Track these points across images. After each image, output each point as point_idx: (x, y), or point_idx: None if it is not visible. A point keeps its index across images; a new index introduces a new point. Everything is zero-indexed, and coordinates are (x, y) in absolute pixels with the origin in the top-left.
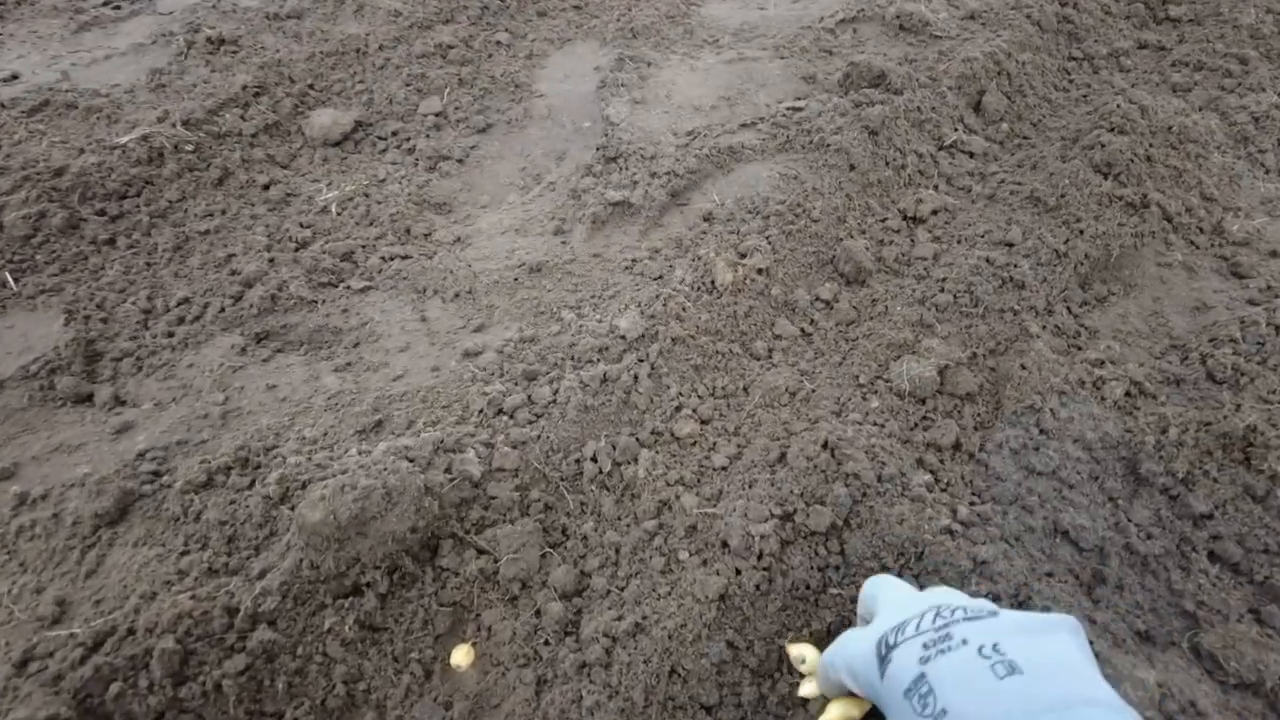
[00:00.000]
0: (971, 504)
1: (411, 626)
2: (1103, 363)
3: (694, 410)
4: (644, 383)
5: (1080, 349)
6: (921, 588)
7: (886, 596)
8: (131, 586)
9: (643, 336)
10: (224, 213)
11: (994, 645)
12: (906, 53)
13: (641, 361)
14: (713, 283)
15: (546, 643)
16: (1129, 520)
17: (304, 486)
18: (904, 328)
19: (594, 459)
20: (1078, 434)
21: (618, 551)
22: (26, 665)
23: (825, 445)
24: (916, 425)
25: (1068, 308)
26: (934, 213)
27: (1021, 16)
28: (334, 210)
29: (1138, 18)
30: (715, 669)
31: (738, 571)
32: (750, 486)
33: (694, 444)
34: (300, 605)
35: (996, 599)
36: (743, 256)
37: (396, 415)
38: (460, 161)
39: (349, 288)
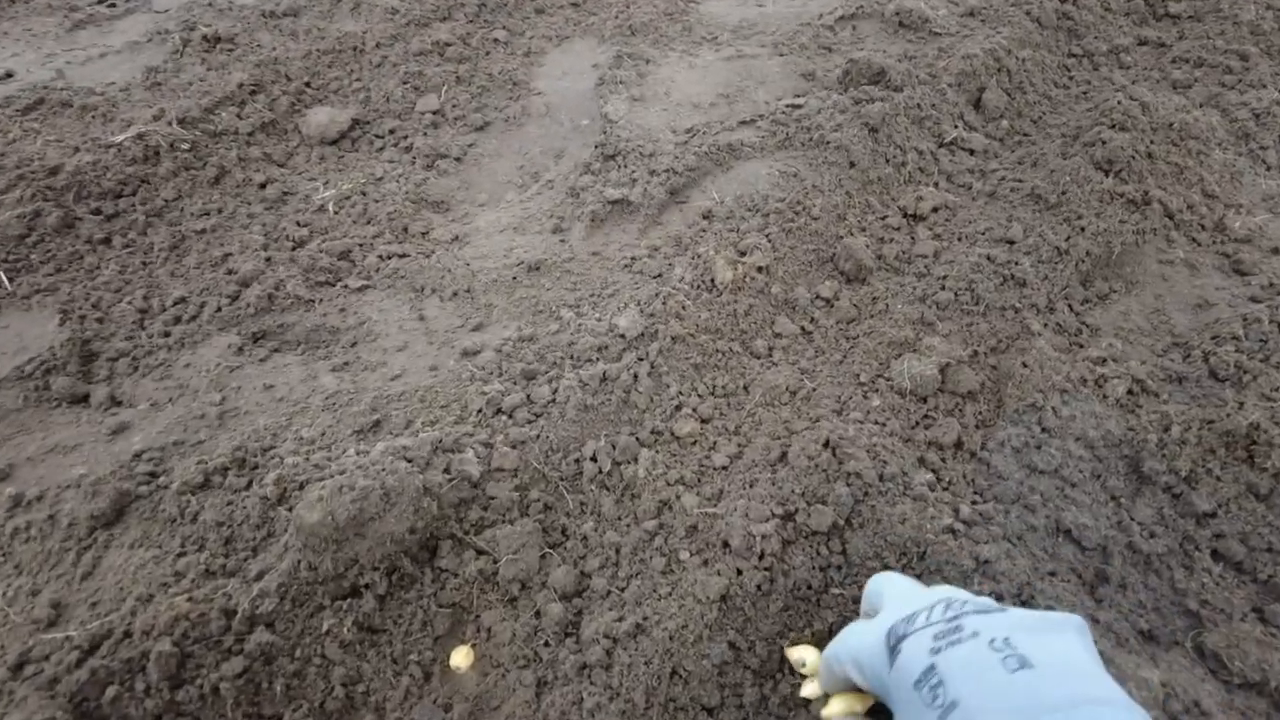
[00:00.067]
0: (974, 503)
1: (410, 628)
2: (1105, 360)
3: (694, 409)
4: (644, 382)
5: (1082, 347)
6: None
7: (893, 591)
8: (128, 589)
9: (642, 335)
10: (220, 212)
11: (1005, 639)
12: (906, 49)
13: (641, 360)
14: (712, 281)
15: (547, 644)
16: (1132, 519)
17: (302, 487)
18: (905, 326)
19: (594, 459)
20: (1080, 432)
21: (618, 552)
22: (22, 668)
23: (826, 444)
24: (918, 424)
25: (1069, 305)
26: (934, 210)
27: (1021, 13)
28: (331, 209)
29: (1137, 14)
30: (717, 670)
31: (739, 572)
32: (751, 486)
33: (694, 443)
34: (298, 607)
35: (999, 598)
36: (742, 254)
37: (394, 415)
38: (458, 160)
39: (346, 287)
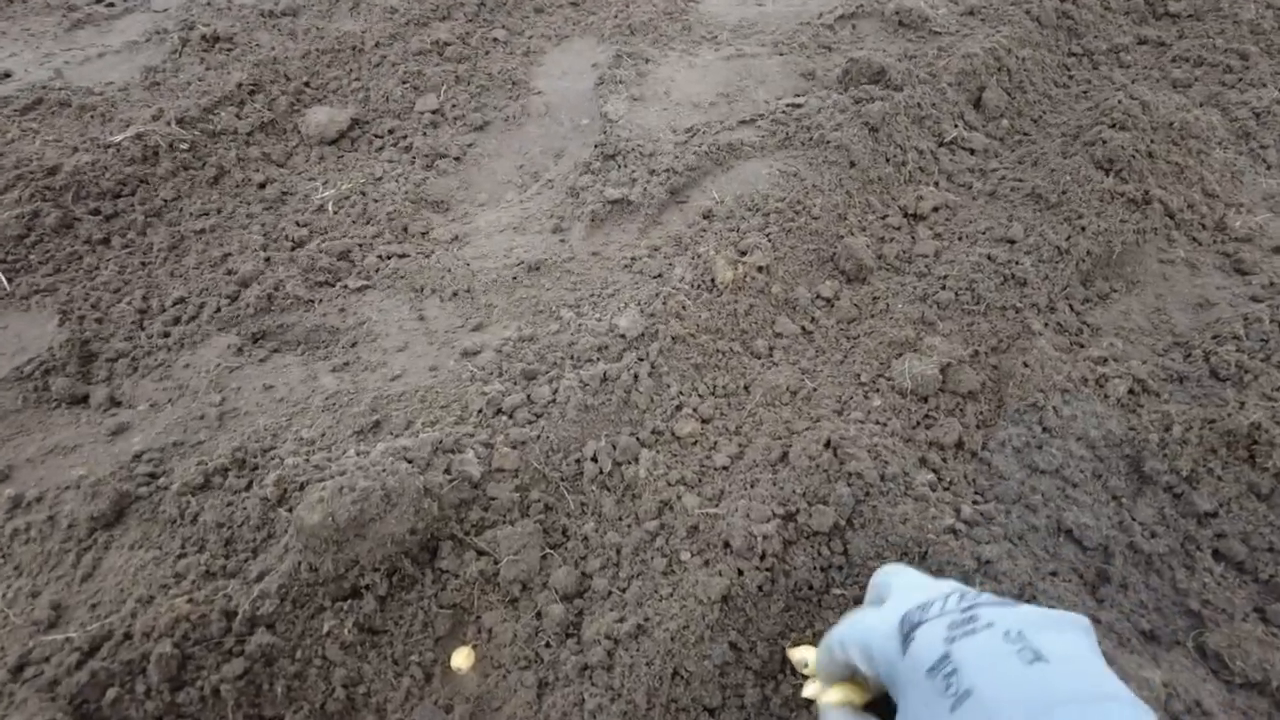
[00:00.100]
0: (975, 503)
1: (411, 629)
2: (1106, 360)
3: (695, 409)
4: (644, 382)
5: (1083, 346)
6: None
7: (902, 581)
8: (128, 590)
9: (643, 335)
10: (219, 212)
11: (1019, 631)
12: (906, 49)
13: (642, 360)
14: (713, 281)
15: (548, 645)
16: (1133, 519)
17: (302, 488)
18: (906, 325)
19: (594, 459)
20: (1081, 432)
21: (619, 552)
22: (22, 670)
23: (828, 444)
24: (919, 424)
25: (1070, 305)
26: (935, 210)
27: (1021, 12)
28: (330, 209)
29: (1137, 13)
30: (718, 671)
31: (740, 572)
32: (752, 486)
33: (695, 443)
34: (299, 608)
35: None
36: (743, 254)
37: (395, 415)
38: (458, 159)
39: (346, 287)
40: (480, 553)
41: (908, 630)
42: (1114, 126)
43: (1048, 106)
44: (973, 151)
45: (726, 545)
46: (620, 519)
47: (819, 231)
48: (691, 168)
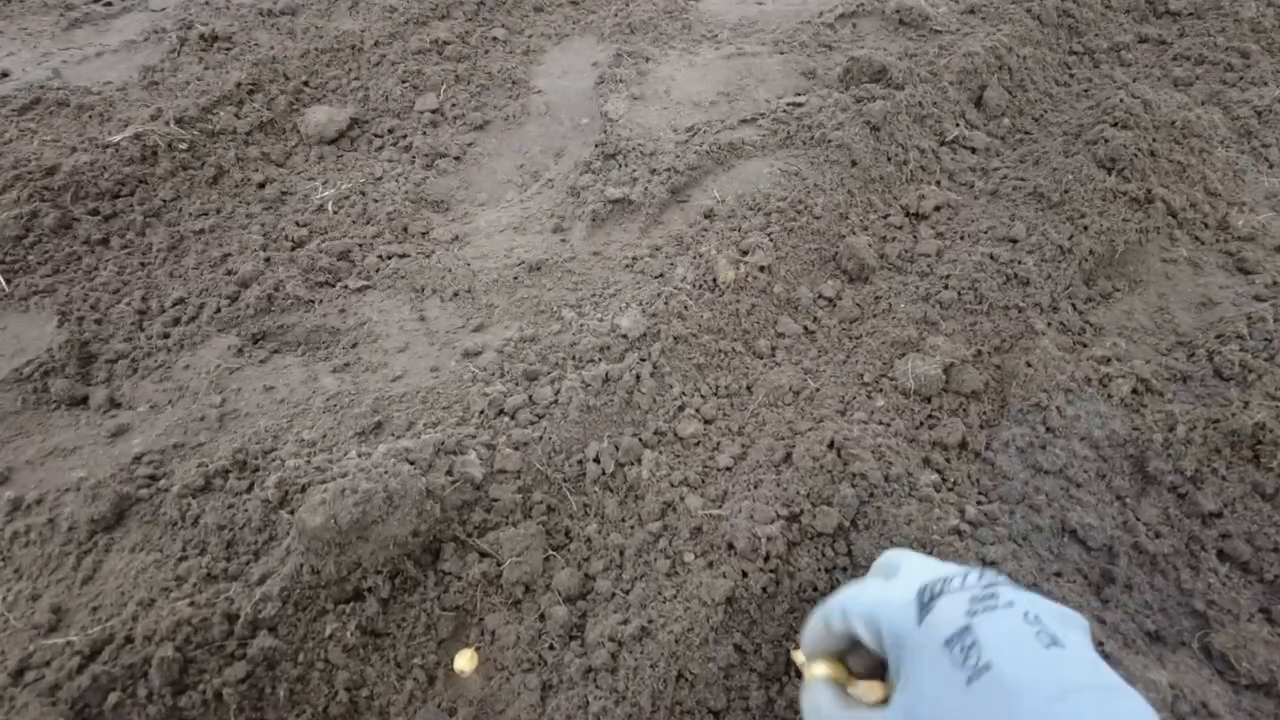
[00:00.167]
0: (979, 503)
1: (414, 632)
2: (1109, 360)
3: (697, 410)
4: (646, 382)
5: (1086, 346)
6: None
7: (913, 561)
8: (129, 593)
9: (644, 335)
10: (219, 212)
11: (1036, 615)
12: (907, 47)
13: (644, 361)
14: (714, 280)
15: (551, 647)
16: (1137, 519)
17: (303, 490)
18: (908, 325)
19: (597, 460)
20: (1085, 432)
21: (622, 554)
22: (22, 675)
23: (831, 445)
24: (922, 424)
25: (1073, 304)
26: (937, 209)
27: (1021, 10)
28: (330, 209)
29: (1138, 11)
30: (723, 673)
31: (744, 574)
32: (756, 487)
33: (698, 444)
34: (301, 611)
35: None
36: (744, 254)
37: (396, 416)
38: (457, 159)
39: (346, 287)
40: (483, 554)
41: (928, 599)
42: (1116, 125)
43: (1049, 105)
44: (974, 150)
45: (730, 547)
46: (623, 520)
47: (821, 231)
48: (692, 167)
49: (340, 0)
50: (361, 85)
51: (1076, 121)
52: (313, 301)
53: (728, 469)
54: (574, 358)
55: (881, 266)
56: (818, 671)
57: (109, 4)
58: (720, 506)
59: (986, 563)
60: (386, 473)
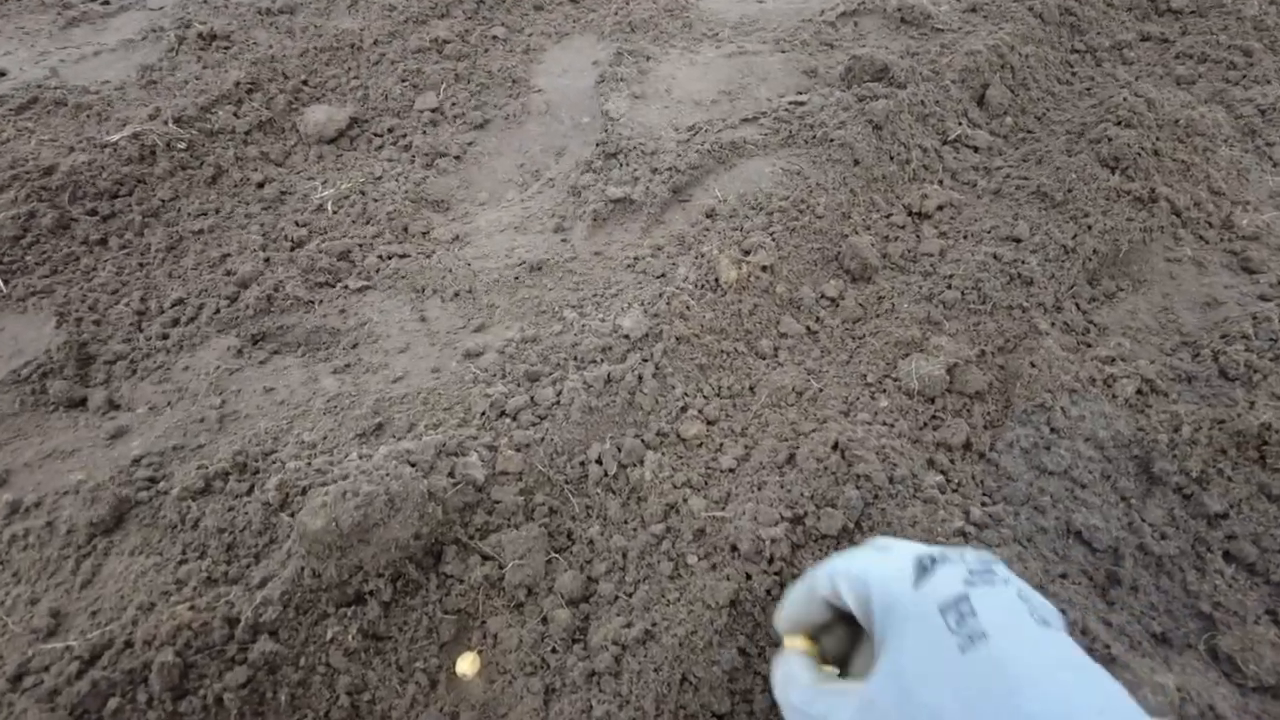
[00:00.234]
0: (983, 504)
1: (416, 635)
2: (1113, 360)
3: (700, 411)
4: (648, 383)
5: (1090, 346)
6: None
7: (906, 541)
8: (129, 597)
9: (646, 336)
10: (218, 212)
11: (1028, 597)
12: (908, 46)
13: (646, 361)
14: (716, 280)
15: (554, 650)
16: (1142, 520)
17: (304, 492)
18: (911, 325)
19: (599, 461)
20: (1089, 432)
21: (625, 556)
22: (21, 680)
23: (835, 446)
24: (926, 425)
25: (1076, 304)
26: (940, 208)
27: (1023, 9)
28: (330, 208)
29: (1140, 9)
30: (727, 676)
31: (748, 576)
32: (759, 489)
33: (700, 445)
34: (302, 615)
35: None
36: (746, 253)
37: (397, 418)
38: (458, 158)
39: (346, 288)
40: (485, 557)
41: (929, 563)
42: (1119, 124)
43: (1051, 104)
44: (977, 149)
45: (734, 549)
46: (626, 522)
47: (823, 230)
48: (694, 166)
49: None
50: (361, 84)
51: (1079, 120)
52: (313, 302)
53: (731, 470)
54: (576, 358)
55: (884, 266)
56: (797, 644)
57: (106, 3)
58: (723, 508)
59: None
60: (388, 475)
